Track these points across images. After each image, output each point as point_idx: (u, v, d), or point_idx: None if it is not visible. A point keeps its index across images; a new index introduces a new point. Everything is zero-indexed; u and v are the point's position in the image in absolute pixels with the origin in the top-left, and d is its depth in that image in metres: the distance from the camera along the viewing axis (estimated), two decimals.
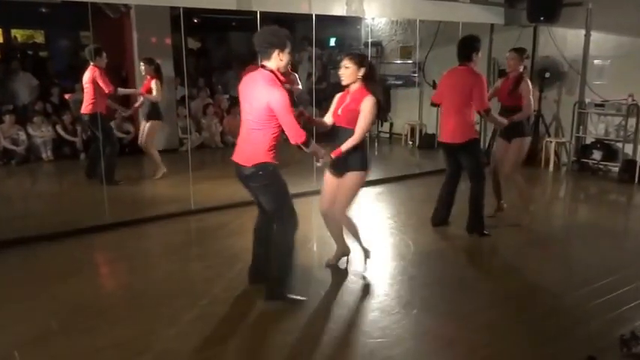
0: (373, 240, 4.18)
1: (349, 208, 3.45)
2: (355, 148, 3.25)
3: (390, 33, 9.32)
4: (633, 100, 6.29)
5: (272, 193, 3.01)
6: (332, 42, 10.36)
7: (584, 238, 4.57)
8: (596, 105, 6.64)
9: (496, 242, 4.36)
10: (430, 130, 8.70)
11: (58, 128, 7.35)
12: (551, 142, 7.01)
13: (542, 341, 2.77)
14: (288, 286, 3.13)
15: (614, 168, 6.53)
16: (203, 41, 12.00)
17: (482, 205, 4.32)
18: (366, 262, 3.65)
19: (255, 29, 5.22)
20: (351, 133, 3.24)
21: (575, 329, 2.89)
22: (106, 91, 5.73)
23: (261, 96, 2.84)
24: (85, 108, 5.77)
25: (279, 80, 2.90)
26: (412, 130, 8.71)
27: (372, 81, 3.27)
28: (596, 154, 6.67)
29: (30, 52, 10.19)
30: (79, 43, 10.55)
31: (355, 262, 3.76)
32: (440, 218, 4.53)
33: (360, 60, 3.24)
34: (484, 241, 4.32)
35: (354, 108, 3.23)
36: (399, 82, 9.02)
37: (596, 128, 6.79)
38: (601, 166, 6.71)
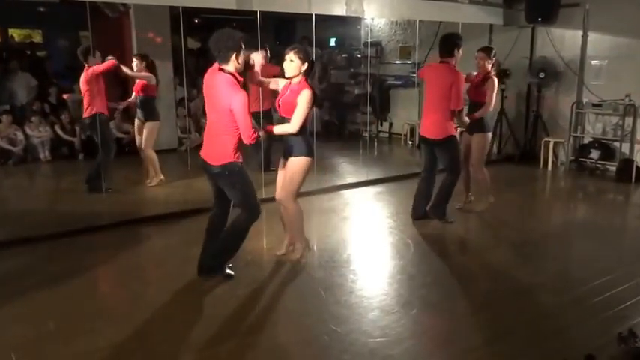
0: (373, 239, 4.20)
1: (295, 194, 3.60)
2: (298, 136, 3.43)
3: (389, 33, 9.33)
4: (630, 100, 6.33)
5: (238, 189, 3.25)
6: (332, 42, 10.37)
7: (581, 236, 4.60)
8: (594, 105, 6.68)
9: (495, 241, 4.39)
10: None
11: (57, 128, 7.34)
12: (549, 141, 7.05)
13: (540, 339, 2.79)
14: (225, 263, 3.39)
15: (612, 167, 6.57)
16: (203, 41, 11.98)
17: (449, 195, 4.54)
18: (303, 253, 3.72)
19: (256, 29, 5.29)
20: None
21: (573, 327, 2.91)
22: (110, 65, 5.47)
23: (225, 99, 3.02)
24: (85, 112, 5.57)
25: (238, 81, 3.06)
26: (411, 130, 8.73)
27: (311, 77, 3.46)
28: (594, 154, 6.70)
29: (28, 52, 10.16)
30: (78, 42, 10.53)
31: (355, 260, 3.77)
32: (420, 212, 4.64)
33: (304, 55, 3.40)
34: (482, 240, 4.34)
35: (292, 100, 3.40)
36: (399, 83, 9.04)
37: (594, 128, 6.82)
38: (598, 166, 6.75)
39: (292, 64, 3.39)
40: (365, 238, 4.33)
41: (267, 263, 3.86)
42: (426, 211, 4.62)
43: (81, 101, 7.84)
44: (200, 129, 8.26)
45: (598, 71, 6.72)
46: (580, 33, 6.73)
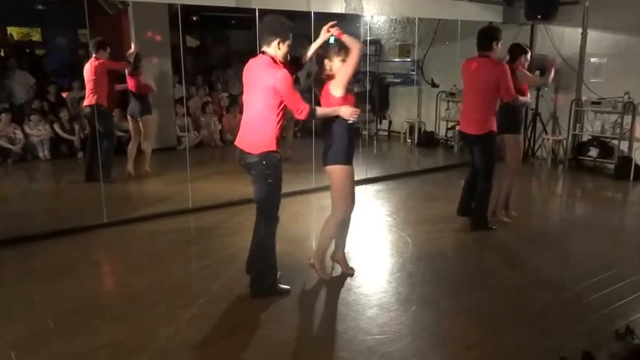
0: (372, 237, 4.20)
1: (346, 203, 3.40)
2: (336, 141, 3.25)
3: (389, 31, 9.33)
4: (629, 98, 6.33)
5: (267, 185, 3.03)
6: (331, 40, 10.35)
7: (580, 234, 4.60)
8: (593, 103, 6.68)
9: (493, 238, 4.39)
10: (429, 128, 8.73)
11: (56, 127, 7.33)
12: (548, 139, 7.05)
13: (538, 336, 2.79)
14: (273, 280, 3.19)
15: (610, 165, 6.58)
16: (202, 39, 11.97)
17: (487, 203, 4.36)
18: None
19: (254, 27, 5.27)
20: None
21: (571, 324, 2.92)
22: (123, 68, 5.79)
23: (266, 79, 2.90)
24: (86, 100, 5.72)
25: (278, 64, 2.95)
26: (411, 127, 8.74)
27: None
28: (593, 152, 6.71)
29: (27, 50, 10.14)
30: (77, 40, 10.52)
31: (353, 258, 3.78)
32: (463, 210, 4.50)
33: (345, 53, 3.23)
34: (482, 238, 4.35)
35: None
36: (398, 80, 9.04)
37: (593, 126, 6.82)
38: (597, 163, 6.75)
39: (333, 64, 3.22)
40: (364, 236, 4.33)
41: None
42: (468, 208, 4.45)
43: (80, 98, 7.88)
44: (199, 127, 8.26)
45: (597, 69, 6.72)
46: (579, 30, 6.73)
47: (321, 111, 3.11)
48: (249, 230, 4.43)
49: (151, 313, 3.03)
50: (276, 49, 2.96)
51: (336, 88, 3.15)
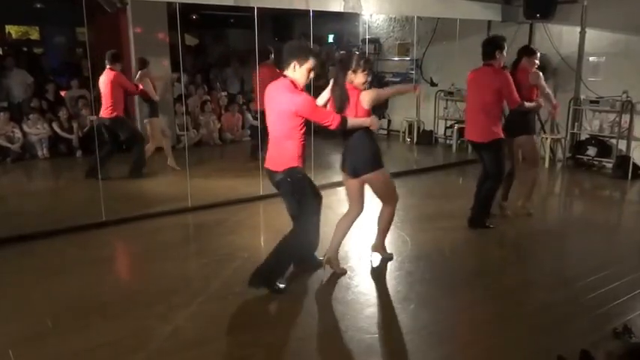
0: (370, 236, 4.20)
1: (394, 198, 3.64)
2: (364, 148, 3.41)
3: (387, 30, 9.33)
4: (627, 97, 6.34)
5: (296, 198, 3.22)
6: (330, 39, 10.35)
7: (578, 233, 4.61)
8: (591, 101, 6.69)
9: (491, 238, 4.40)
10: (428, 127, 8.73)
11: (54, 125, 7.32)
12: (546, 138, 7.06)
13: (536, 335, 2.80)
14: (277, 278, 3.26)
15: (608, 164, 6.59)
16: (201, 38, 11.96)
17: (490, 203, 4.44)
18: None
19: (253, 26, 5.27)
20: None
21: (568, 323, 2.93)
22: (133, 91, 6.00)
23: (286, 104, 3.05)
24: (105, 112, 5.87)
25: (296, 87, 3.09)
26: (410, 126, 8.74)
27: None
28: (591, 150, 6.72)
29: (25, 49, 10.11)
30: (75, 39, 10.49)
31: (352, 257, 3.78)
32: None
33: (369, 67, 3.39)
34: (479, 237, 4.36)
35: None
36: (397, 79, 9.03)
37: (591, 125, 6.83)
38: (595, 162, 6.76)
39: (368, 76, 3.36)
40: (363, 235, 4.33)
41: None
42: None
43: (78, 97, 7.86)
44: (198, 126, 8.26)
45: (596, 68, 6.72)
46: (578, 29, 6.74)
47: (352, 121, 3.23)
48: (247, 229, 4.44)
49: (149, 311, 3.03)
50: (292, 71, 3.08)
51: (366, 102, 3.29)
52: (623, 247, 4.23)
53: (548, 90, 4.65)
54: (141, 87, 6.08)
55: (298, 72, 3.07)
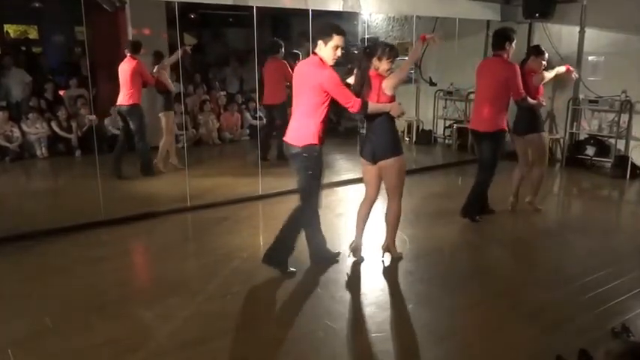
0: (368, 235, 4.20)
1: (401, 194, 3.70)
2: (386, 133, 3.50)
3: (386, 29, 9.32)
4: (626, 97, 6.34)
5: (307, 176, 3.30)
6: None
7: (576, 232, 4.61)
8: (590, 101, 6.69)
9: (489, 237, 4.40)
10: (427, 127, 8.73)
11: (53, 125, 7.31)
12: (545, 137, 7.05)
13: (534, 335, 2.80)
14: (285, 257, 3.43)
15: (607, 164, 6.60)
16: (199, 37, 11.95)
17: (483, 194, 4.57)
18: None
19: (252, 25, 5.27)
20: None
21: (567, 322, 2.93)
22: (150, 81, 6.01)
23: (314, 78, 3.18)
24: (124, 99, 5.91)
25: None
26: (409, 126, 8.74)
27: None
28: (590, 150, 6.73)
29: (23, 48, 10.10)
30: (74, 38, 10.47)
31: (350, 257, 3.79)
32: (486, 209, 4.72)
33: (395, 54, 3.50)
34: (478, 236, 4.36)
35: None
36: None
37: (590, 124, 6.84)
38: (594, 162, 6.77)
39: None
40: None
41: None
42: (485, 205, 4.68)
43: (77, 97, 7.86)
44: (197, 125, 8.25)
45: (595, 67, 6.72)
46: (577, 29, 6.74)
47: (373, 106, 3.33)
48: (247, 228, 4.44)
49: (148, 311, 3.03)
50: (321, 49, 3.21)
51: (389, 88, 3.38)
52: (621, 246, 4.23)
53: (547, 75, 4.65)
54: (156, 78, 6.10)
55: (324, 50, 3.20)
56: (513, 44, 4.30)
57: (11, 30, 11.07)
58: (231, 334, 2.81)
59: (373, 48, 3.44)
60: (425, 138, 8.52)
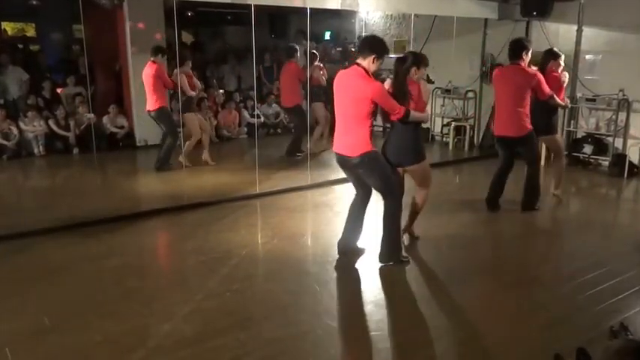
0: (366, 233, 4.21)
1: (429, 186, 3.97)
2: (411, 141, 3.75)
3: (384, 27, 9.31)
4: (624, 95, 6.36)
5: (378, 174, 3.48)
6: (326, 36, 10.34)
7: (574, 230, 4.63)
8: (588, 100, 6.71)
9: (488, 236, 4.42)
10: (424, 125, 8.71)
11: (51, 123, 7.28)
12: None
13: (533, 333, 2.81)
14: (399, 248, 3.67)
15: (605, 162, 6.62)
16: (197, 35, 11.91)
17: (538, 185, 4.87)
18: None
19: (250, 23, 5.26)
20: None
21: (565, 321, 2.94)
22: (169, 85, 6.15)
23: (362, 90, 3.29)
24: (151, 104, 6.07)
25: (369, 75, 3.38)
26: None
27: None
28: (587, 148, 6.74)
29: (20, 46, 10.04)
30: (71, 36, 10.42)
31: (349, 255, 3.79)
32: (492, 201, 4.93)
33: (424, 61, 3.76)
34: (477, 235, 4.37)
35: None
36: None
37: (587, 122, 6.86)
38: (592, 160, 6.79)
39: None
40: (358, 232, 4.34)
41: (262, 258, 3.87)
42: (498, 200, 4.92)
43: (75, 95, 7.83)
44: None
45: (592, 66, 6.74)
46: (575, 27, 6.75)
47: (414, 114, 3.50)
48: (245, 227, 4.44)
49: (147, 309, 3.03)
50: (370, 63, 3.34)
51: (427, 92, 3.66)
52: (619, 244, 4.25)
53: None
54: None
55: (374, 66, 3.35)
56: (530, 53, 4.58)
57: (8, 28, 11.01)
58: (231, 332, 2.81)
59: (414, 58, 3.63)
60: (423, 136, 8.50)
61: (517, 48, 4.57)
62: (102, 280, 3.44)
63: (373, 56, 3.31)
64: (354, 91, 3.32)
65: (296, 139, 7.04)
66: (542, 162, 5.76)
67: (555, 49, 5.05)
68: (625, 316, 2.92)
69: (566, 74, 4.96)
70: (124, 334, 2.76)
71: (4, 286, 3.37)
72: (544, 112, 4.78)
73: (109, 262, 3.81)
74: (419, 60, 3.66)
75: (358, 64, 3.35)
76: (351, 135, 3.38)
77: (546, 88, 4.57)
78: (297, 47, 7.05)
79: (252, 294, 3.23)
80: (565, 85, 4.95)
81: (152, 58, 6.05)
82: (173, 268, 3.67)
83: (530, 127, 4.60)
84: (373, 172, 3.46)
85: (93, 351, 2.62)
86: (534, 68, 4.83)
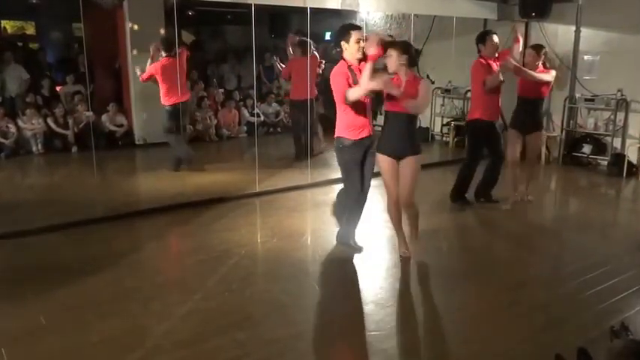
0: (367, 232, 4.22)
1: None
2: (416, 132, 3.81)
3: (384, 27, 9.31)
4: (622, 95, 6.37)
5: (340, 160, 3.68)
6: (327, 36, 10.33)
7: (573, 230, 4.64)
8: (586, 100, 6.72)
9: (488, 236, 4.42)
10: (424, 124, 8.73)
11: (49, 121, 7.27)
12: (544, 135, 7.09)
13: (533, 333, 2.81)
14: (350, 233, 3.83)
15: (603, 162, 6.63)
16: (197, 34, 11.90)
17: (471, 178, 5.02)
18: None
19: (250, 22, 5.25)
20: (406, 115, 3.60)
21: (565, 321, 2.94)
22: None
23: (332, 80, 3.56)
24: (169, 100, 5.98)
25: (349, 67, 3.54)
26: None
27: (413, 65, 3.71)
28: (586, 148, 6.76)
29: (20, 44, 10.02)
30: (71, 34, 10.41)
31: (349, 254, 3.79)
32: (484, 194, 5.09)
33: (402, 47, 3.58)
34: (476, 234, 4.37)
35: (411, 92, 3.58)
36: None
37: (586, 122, 6.87)
38: (590, 160, 6.80)
39: (391, 58, 3.54)
40: (359, 231, 4.34)
41: (262, 257, 3.87)
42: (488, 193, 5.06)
43: (74, 93, 7.81)
44: (195, 122, 8.22)
45: (590, 66, 6.75)
46: (573, 28, 6.76)
47: (352, 93, 3.57)
48: (244, 226, 4.43)
49: (146, 309, 3.02)
50: (345, 51, 3.59)
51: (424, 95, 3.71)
52: (619, 244, 4.25)
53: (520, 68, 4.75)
54: None
55: (348, 50, 3.50)
56: (485, 45, 4.70)
57: (8, 26, 10.99)
58: (230, 332, 2.80)
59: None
60: (422, 135, 8.52)
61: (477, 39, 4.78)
62: (99, 279, 3.43)
63: (342, 43, 3.53)
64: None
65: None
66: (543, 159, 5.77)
67: (540, 43, 5.16)
68: (626, 315, 2.92)
69: (510, 61, 4.65)
70: (122, 333, 2.75)
71: (0, 284, 3.35)
72: (530, 110, 4.79)
73: (105, 262, 3.79)
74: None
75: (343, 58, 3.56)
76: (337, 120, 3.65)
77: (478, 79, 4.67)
78: (309, 41, 6.91)
79: (251, 294, 3.23)
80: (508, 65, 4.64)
81: (166, 54, 5.86)
82: (172, 267, 3.66)
83: (475, 117, 4.74)
84: (338, 158, 3.71)
85: (91, 351, 2.61)
86: (541, 67, 4.79)
